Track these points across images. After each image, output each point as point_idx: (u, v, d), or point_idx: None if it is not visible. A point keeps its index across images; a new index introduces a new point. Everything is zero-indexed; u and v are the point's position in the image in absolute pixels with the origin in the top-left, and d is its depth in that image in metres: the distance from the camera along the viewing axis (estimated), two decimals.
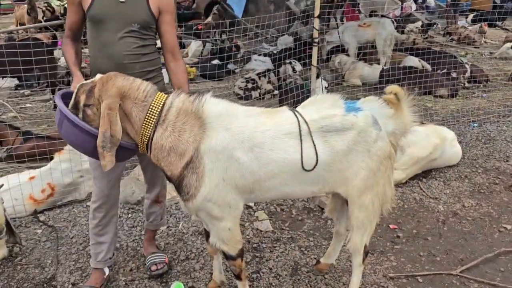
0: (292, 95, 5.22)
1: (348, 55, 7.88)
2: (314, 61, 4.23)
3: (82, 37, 2.56)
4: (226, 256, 2.24)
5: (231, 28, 8.50)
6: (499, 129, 5.16)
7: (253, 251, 2.98)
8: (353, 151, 2.08)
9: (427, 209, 3.52)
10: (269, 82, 6.90)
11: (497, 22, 12.66)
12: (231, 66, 8.19)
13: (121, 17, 2.33)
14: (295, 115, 2.08)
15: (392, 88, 2.19)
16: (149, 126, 2.00)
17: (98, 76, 2.07)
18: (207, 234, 2.36)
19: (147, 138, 2.01)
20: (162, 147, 2.00)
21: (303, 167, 2.03)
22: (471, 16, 13.04)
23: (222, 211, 2.06)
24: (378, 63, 7.66)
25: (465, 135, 4.97)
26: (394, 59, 7.83)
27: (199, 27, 10.16)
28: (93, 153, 2.07)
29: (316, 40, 4.15)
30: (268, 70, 7.21)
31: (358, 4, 10.70)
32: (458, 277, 2.73)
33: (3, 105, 6.22)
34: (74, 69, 2.38)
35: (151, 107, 2.00)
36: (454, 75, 6.99)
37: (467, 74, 7.11)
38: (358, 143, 2.08)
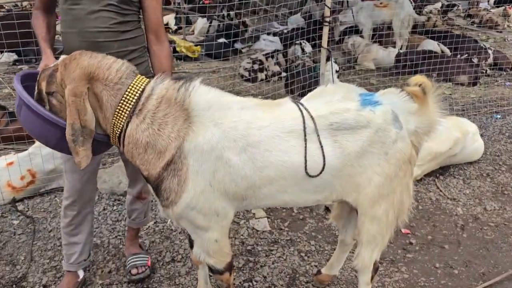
0: (299, 79, 4.83)
1: (362, 36, 7.41)
2: (325, 42, 3.83)
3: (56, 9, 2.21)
4: (212, 270, 1.92)
5: (240, 2, 8.06)
6: None
7: (247, 255, 2.66)
8: (367, 154, 1.74)
9: (444, 211, 3.16)
10: (276, 63, 6.50)
11: None
12: (238, 45, 7.78)
13: None
14: (299, 109, 1.72)
15: (418, 78, 1.80)
16: (122, 115, 1.65)
17: (62, 57, 1.72)
18: (190, 242, 2.05)
19: (120, 130, 1.67)
20: (137, 142, 1.66)
21: (307, 172, 1.69)
22: None
23: (209, 220, 1.73)
24: (394, 46, 7.20)
25: (487, 128, 4.56)
26: (411, 42, 7.35)
27: (205, 1, 9.71)
28: (58, 146, 1.75)
29: (328, 20, 3.74)
30: (277, 50, 6.80)
31: None
32: None
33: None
34: (44, 46, 2.03)
35: (127, 92, 1.64)
36: (475, 61, 6.53)
37: (490, 61, 6.64)
38: (374, 144, 1.74)
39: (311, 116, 1.71)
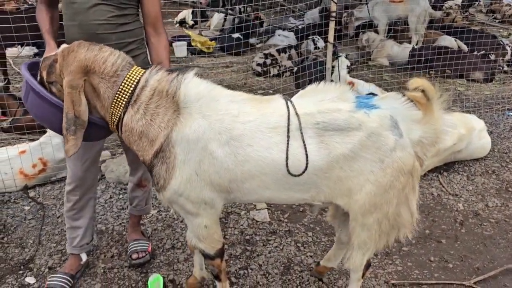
0: (308, 73, 4.86)
1: (377, 32, 7.36)
2: (331, 37, 3.85)
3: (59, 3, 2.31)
4: (204, 255, 2.00)
5: (256, 3, 8.11)
6: None
7: (245, 244, 2.73)
8: (359, 158, 1.69)
9: (445, 207, 3.16)
10: (289, 58, 6.52)
11: None
12: (252, 40, 7.83)
13: None
14: (287, 106, 1.73)
15: (418, 82, 1.69)
16: (119, 106, 1.74)
17: (62, 47, 1.81)
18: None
19: (117, 119, 1.77)
20: (132, 130, 1.75)
21: (288, 171, 1.69)
22: None
23: (197, 207, 1.80)
24: (410, 42, 7.12)
25: (497, 125, 4.50)
26: (428, 38, 7.26)
27: None
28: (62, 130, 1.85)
29: (333, 15, 3.75)
30: (290, 45, 6.82)
31: None
32: None
33: (19, 74, 6.14)
34: (47, 37, 2.13)
35: (122, 84, 1.73)
36: (492, 57, 6.41)
37: (507, 57, 6.50)
38: (367, 149, 1.68)
39: (297, 113, 1.69)
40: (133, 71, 1.76)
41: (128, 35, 2.18)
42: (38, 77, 1.84)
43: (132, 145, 1.80)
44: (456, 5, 9.52)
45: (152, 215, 3.02)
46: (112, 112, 1.76)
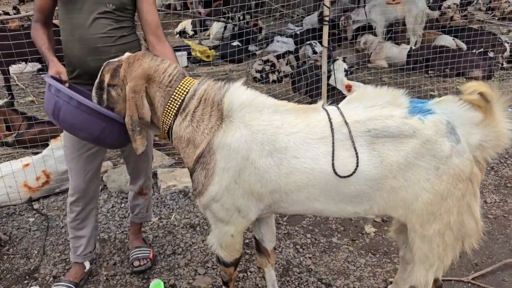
0: (305, 79, 4.90)
1: (375, 34, 7.41)
2: (325, 41, 3.90)
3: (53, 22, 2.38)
4: (219, 261, 2.02)
5: (256, 10, 8.18)
6: None
7: (244, 247, 2.77)
8: (414, 167, 1.63)
9: None
10: (288, 64, 6.58)
11: None
12: (252, 48, 7.91)
13: None
14: (327, 114, 1.70)
15: (474, 85, 1.63)
16: (170, 114, 1.83)
17: (126, 54, 1.91)
18: (257, 245, 2.19)
19: (168, 126, 1.85)
20: (181, 138, 1.82)
21: (334, 171, 1.63)
22: None
23: (230, 215, 1.82)
24: (408, 43, 7.16)
25: None
26: (426, 38, 7.28)
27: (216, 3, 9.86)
28: (100, 139, 1.92)
29: (327, 18, 3.80)
30: (288, 51, 6.88)
31: None
32: (469, 284, 2.42)
33: (23, 90, 6.26)
34: (48, 55, 2.20)
35: (174, 93, 1.82)
36: (491, 54, 6.41)
37: (507, 54, 6.51)
38: (422, 157, 1.62)
39: (346, 122, 1.66)
40: (185, 81, 1.84)
41: (126, 47, 2.24)
42: (98, 79, 1.90)
43: (180, 151, 1.87)
44: (454, 4, 9.55)
45: (153, 222, 3.07)
46: (164, 120, 1.84)
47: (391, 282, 2.43)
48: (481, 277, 2.47)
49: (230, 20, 9.09)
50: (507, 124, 1.68)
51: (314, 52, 6.57)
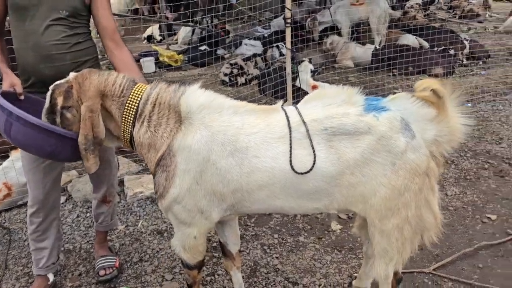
0: (271, 81, 4.95)
1: (340, 35, 7.54)
2: (288, 43, 3.95)
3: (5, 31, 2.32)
4: (183, 264, 2.02)
5: (224, 13, 8.21)
6: (494, 108, 4.83)
7: (212, 251, 2.77)
8: (370, 162, 1.67)
9: None
10: (256, 67, 6.62)
11: None
12: (220, 51, 7.92)
13: (47, 3, 2.10)
14: (285, 114, 1.74)
15: (426, 82, 1.68)
16: (127, 123, 1.82)
17: (72, 74, 1.87)
18: (222, 248, 2.20)
19: (129, 135, 1.84)
20: (142, 144, 1.82)
21: (292, 169, 1.67)
22: None
23: (192, 217, 1.82)
24: (373, 43, 7.31)
25: None
26: (390, 37, 7.46)
27: None
28: (53, 154, 1.89)
29: (289, 21, 3.85)
30: (256, 54, 6.92)
31: None
32: (430, 275, 2.49)
33: None
34: (2, 66, 2.16)
35: (127, 102, 1.81)
36: (451, 52, 6.63)
37: (466, 51, 6.74)
38: (378, 153, 1.66)
39: (303, 121, 1.70)
40: (136, 88, 1.83)
41: (82, 54, 2.22)
42: (48, 103, 1.86)
43: (144, 158, 1.86)
44: (416, 4, 9.83)
45: (120, 230, 3.04)
46: (123, 130, 1.84)
47: (355, 277, 2.48)
48: (441, 267, 2.54)
49: (197, 24, 9.07)
50: (460, 119, 1.73)
51: (281, 54, 6.65)
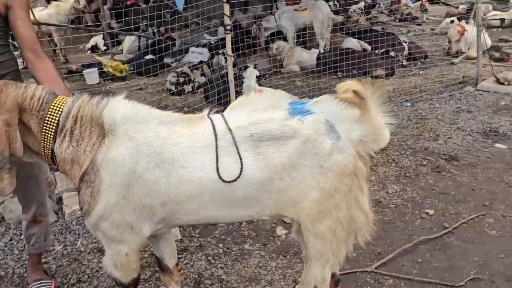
0: (212, 87, 4.91)
1: (286, 40, 7.63)
2: (229, 50, 3.93)
3: None
4: (117, 282, 1.93)
5: (171, 21, 8.07)
6: (431, 107, 5.03)
7: (154, 266, 2.67)
8: (298, 166, 1.67)
9: None
10: (202, 74, 6.57)
11: None
12: (167, 60, 7.80)
13: None
14: (211, 121, 1.71)
15: (347, 84, 1.68)
16: (48, 138, 1.71)
17: None
18: (158, 262, 2.12)
19: (50, 151, 1.72)
20: (64, 160, 1.72)
21: (220, 177, 1.63)
22: None
23: (121, 232, 1.74)
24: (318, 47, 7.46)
25: (397, 116, 4.80)
26: (334, 41, 7.64)
27: (129, 2, 9.62)
28: None
29: (228, 28, 3.84)
30: (201, 62, 6.87)
31: None
32: (373, 273, 2.53)
33: None
34: None
35: (47, 116, 1.70)
36: (392, 53, 6.87)
37: (405, 52, 7.01)
38: (305, 156, 1.66)
39: (229, 128, 1.67)
40: (56, 101, 1.73)
41: (0, 67, 2.10)
42: None
43: (68, 174, 1.76)
44: (359, 8, 10.15)
45: (57, 251, 2.88)
46: (43, 145, 1.72)
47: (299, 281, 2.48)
48: (383, 265, 2.59)
49: (143, 33, 8.90)
50: (383, 118, 1.77)
51: (227, 61, 6.62)
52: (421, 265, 2.59)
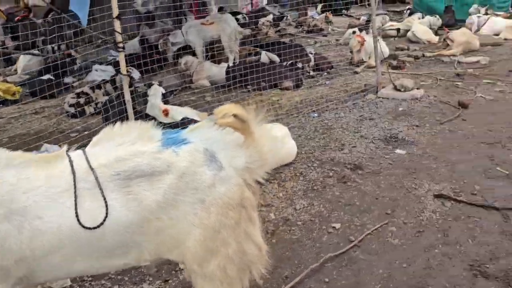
0: (111, 107, 4.58)
1: (195, 54, 7.47)
2: (123, 68, 3.67)
3: None
4: None
5: (75, 39, 7.56)
6: (336, 116, 5.13)
7: None
8: (177, 203, 1.51)
9: None
10: (106, 94, 6.16)
11: (343, 11, 13.40)
12: (68, 80, 7.25)
13: None
14: (70, 161, 1.49)
15: (226, 108, 1.57)
16: None
17: None
18: None
19: None
20: None
21: (80, 224, 1.43)
22: (320, 7, 13.60)
23: None
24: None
25: (304, 128, 4.83)
26: (244, 53, 7.62)
27: (18, 18, 8.92)
28: None
29: (120, 45, 3.58)
30: (105, 80, 6.46)
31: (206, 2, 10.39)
32: None
33: None
34: None
35: None
36: (299, 65, 6.99)
37: (312, 63, 7.17)
38: (183, 192, 1.51)
39: (91, 168, 1.47)
40: None
41: None
42: None
43: None
44: (267, 21, 10.32)
45: None
46: None
47: None
48: None
49: (40, 52, 8.22)
50: (268, 140, 1.67)
51: (131, 78, 6.28)
52: (328, 285, 2.51)
